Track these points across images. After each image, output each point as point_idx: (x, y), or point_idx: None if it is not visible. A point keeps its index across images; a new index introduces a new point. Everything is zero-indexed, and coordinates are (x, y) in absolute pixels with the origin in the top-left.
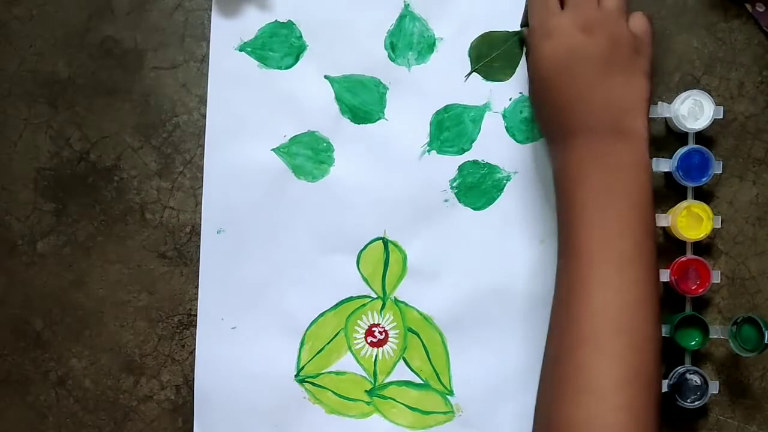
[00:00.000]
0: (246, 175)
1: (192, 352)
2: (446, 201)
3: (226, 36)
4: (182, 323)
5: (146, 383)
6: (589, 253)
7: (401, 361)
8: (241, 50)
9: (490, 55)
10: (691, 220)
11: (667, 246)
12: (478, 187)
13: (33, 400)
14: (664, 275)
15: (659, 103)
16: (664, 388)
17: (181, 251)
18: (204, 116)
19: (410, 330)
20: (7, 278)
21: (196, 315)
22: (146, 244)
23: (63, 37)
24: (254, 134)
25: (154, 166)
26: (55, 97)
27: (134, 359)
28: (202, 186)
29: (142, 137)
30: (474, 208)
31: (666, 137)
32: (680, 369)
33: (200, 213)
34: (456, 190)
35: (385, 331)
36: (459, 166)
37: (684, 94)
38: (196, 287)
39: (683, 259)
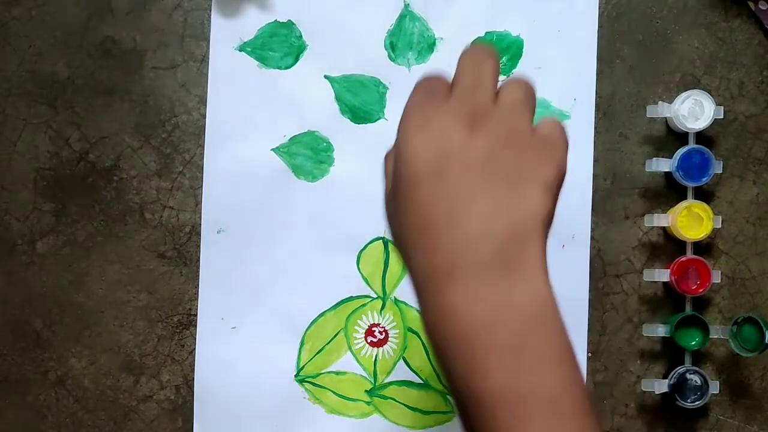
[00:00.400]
0: (246, 175)
1: (191, 352)
2: None
3: (226, 36)
4: (182, 323)
5: (146, 383)
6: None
7: (401, 361)
8: (240, 50)
9: None
10: (692, 220)
11: (667, 246)
12: None
13: (33, 400)
14: (664, 275)
15: (660, 102)
16: (665, 388)
17: (181, 251)
18: (204, 116)
19: (410, 330)
20: (7, 278)
21: (195, 315)
22: (146, 244)
23: (62, 37)
24: (254, 134)
25: (153, 166)
26: (55, 97)
27: (134, 359)
28: (201, 186)
29: (141, 137)
30: None
31: (666, 137)
32: (680, 369)
33: (200, 213)
34: None
35: (385, 331)
36: None
37: (684, 94)
38: (196, 287)
39: (683, 259)
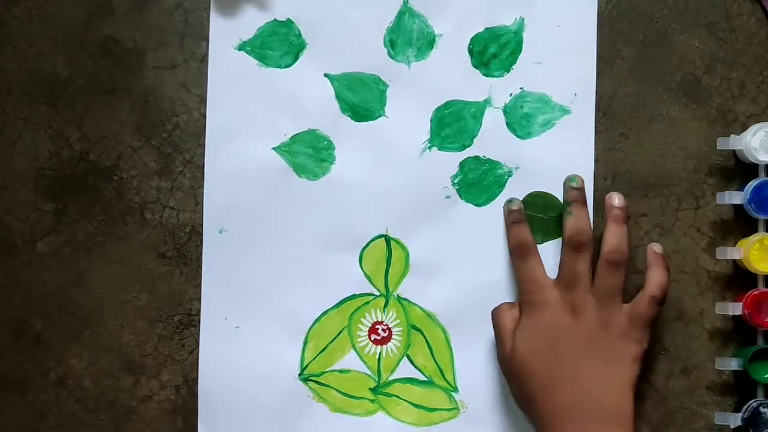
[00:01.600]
0: (247, 175)
1: (192, 352)
2: (448, 197)
3: (225, 35)
4: (182, 323)
5: (146, 383)
6: None
7: (405, 359)
8: (240, 49)
9: (547, 215)
10: (764, 253)
11: (739, 278)
12: (479, 183)
13: (33, 400)
14: (737, 308)
15: (731, 135)
16: (738, 422)
17: (181, 251)
18: (204, 116)
19: (414, 327)
20: (7, 278)
21: (195, 315)
22: (146, 244)
23: (63, 36)
24: (255, 133)
25: (153, 166)
26: (55, 97)
27: (134, 359)
28: (202, 186)
29: (141, 137)
30: (476, 205)
31: (735, 169)
32: (753, 403)
33: (200, 213)
34: (457, 187)
35: (389, 329)
36: (460, 163)
37: (755, 127)
38: (196, 287)
39: (756, 292)
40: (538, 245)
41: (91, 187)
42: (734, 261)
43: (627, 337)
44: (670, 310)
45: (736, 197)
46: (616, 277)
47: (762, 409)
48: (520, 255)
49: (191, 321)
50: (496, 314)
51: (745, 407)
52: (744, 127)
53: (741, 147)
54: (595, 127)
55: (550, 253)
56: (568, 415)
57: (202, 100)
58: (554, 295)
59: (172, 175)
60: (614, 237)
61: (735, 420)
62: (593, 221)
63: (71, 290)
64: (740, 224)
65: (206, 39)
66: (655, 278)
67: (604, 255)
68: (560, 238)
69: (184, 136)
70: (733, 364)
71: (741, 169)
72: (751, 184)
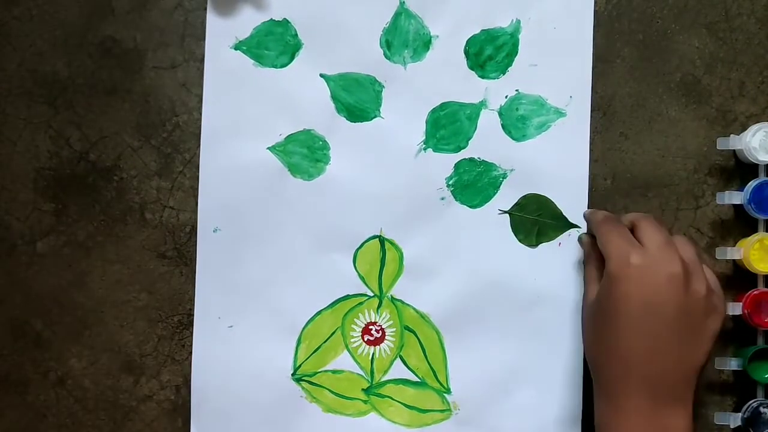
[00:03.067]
0: (242, 174)
1: (192, 352)
2: (442, 199)
3: (222, 35)
4: (182, 323)
5: (146, 383)
6: None
7: (398, 360)
8: (236, 49)
9: (541, 217)
10: (764, 253)
11: (739, 278)
12: (474, 185)
13: (33, 400)
14: (737, 308)
15: (731, 135)
16: (738, 422)
17: (181, 251)
18: None
19: (407, 328)
20: (7, 278)
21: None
22: (146, 244)
23: (63, 37)
24: (250, 133)
25: (153, 166)
26: (55, 97)
27: (134, 359)
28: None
29: (141, 137)
30: (470, 206)
31: (735, 169)
32: (753, 403)
33: None
34: (452, 188)
35: (382, 330)
36: (455, 164)
37: (755, 127)
38: (197, 288)
39: (756, 292)
40: (533, 248)
41: (91, 187)
42: (734, 261)
43: (711, 309)
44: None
45: (736, 197)
46: (697, 249)
47: (762, 409)
48: (606, 223)
49: (191, 321)
50: (588, 262)
51: (745, 407)
52: (744, 127)
53: (741, 147)
54: (595, 127)
55: (544, 255)
56: (640, 388)
57: (202, 100)
58: (650, 259)
59: (172, 175)
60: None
61: (735, 420)
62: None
63: (71, 290)
64: (740, 224)
65: (205, 39)
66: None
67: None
68: (554, 241)
69: (184, 136)
70: (733, 364)
71: (741, 169)
72: (751, 184)
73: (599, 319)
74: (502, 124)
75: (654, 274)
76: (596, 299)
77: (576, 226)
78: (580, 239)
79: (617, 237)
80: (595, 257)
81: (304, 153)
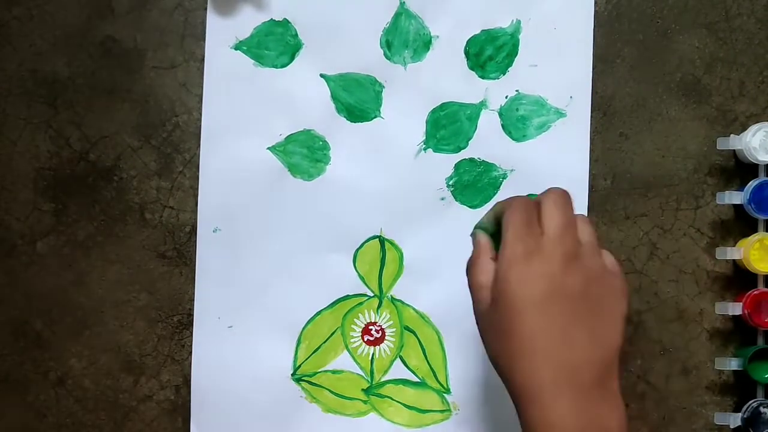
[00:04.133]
0: (242, 174)
1: (192, 352)
2: (442, 199)
3: (222, 35)
4: (182, 323)
5: (146, 383)
6: None
7: (398, 360)
8: (236, 49)
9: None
10: (764, 253)
11: (739, 278)
12: (474, 185)
13: (33, 400)
14: (737, 308)
15: (731, 135)
16: (738, 422)
17: (181, 251)
18: None
19: (407, 328)
20: (7, 278)
21: None
22: (146, 244)
23: (63, 37)
24: (250, 133)
25: (153, 166)
26: (55, 97)
27: (134, 359)
28: None
29: (141, 137)
30: (470, 207)
31: (735, 169)
32: (753, 403)
33: None
34: (452, 189)
35: (382, 330)
36: (455, 164)
37: (755, 127)
38: (197, 288)
39: (756, 291)
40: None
41: (91, 187)
42: (734, 261)
43: (614, 289)
44: (669, 310)
45: (736, 197)
46: (592, 228)
47: (762, 409)
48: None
49: (191, 321)
50: (471, 268)
51: (745, 407)
52: (744, 127)
53: (741, 147)
54: (595, 127)
55: None
56: (556, 383)
57: (202, 100)
58: (548, 242)
59: (172, 175)
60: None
61: (735, 420)
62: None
63: (71, 290)
64: (740, 224)
65: (205, 39)
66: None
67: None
68: None
69: (184, 136)
70: (733, 364)
71: (741, 169)
72: (751, 184)
73: (500, 318)
74: (502, 125)
75: (548, 257)
76: (493, 298)
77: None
78: (473, 234)
79: (517, 220)
80: (483, 259)
81: (304, 153)
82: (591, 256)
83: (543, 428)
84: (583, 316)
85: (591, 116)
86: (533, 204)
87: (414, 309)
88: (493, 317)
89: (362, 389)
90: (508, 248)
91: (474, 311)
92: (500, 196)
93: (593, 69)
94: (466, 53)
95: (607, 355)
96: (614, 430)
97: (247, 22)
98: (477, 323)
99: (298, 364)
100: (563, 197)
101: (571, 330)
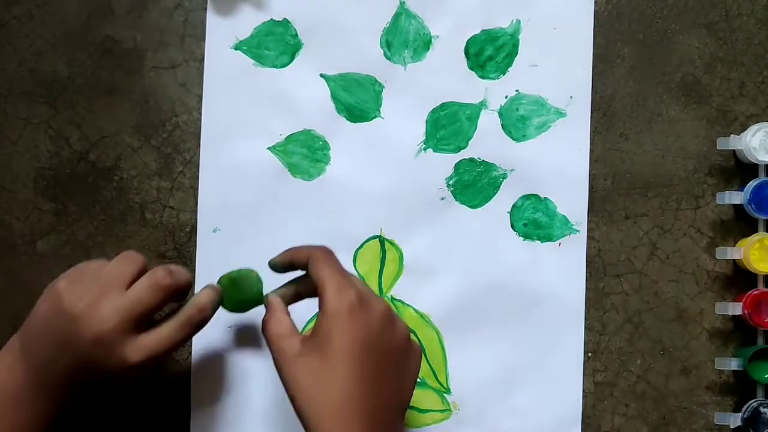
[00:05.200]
0: (242, 174)
1: (192, 352)
2: (442, 199)
3: (222, 35)
4: None
5: (146, 383)
6: None
7: None
8: (236, 49)
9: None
10: (764, 253)
11: (739, 278)
12: (474, 185)
13: None
14: (737, 308)
15: (731, 135)
16: (738, 422)
17: (181, 251)
18: None
19: None
20: (7, 278)
21: None
22: (146, 244)
23: (63, 37)
24: (250, 133)
25: (153, 166)
26: (55, 97)
27: None
28: None
29: (141, 137)
30: (470, 206)
31: (735, 169)
32: (753, 403)
33: None
34: (452, 188)
35: None
36: (455, 164)
37: (755, 127)
38: (196, 287)
39: (756, 291)
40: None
41: (91, 187)
42: (734, 261)
43: (415, 361)
44: (669, 310)
45: (736, 197)
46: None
47: (762, 409)
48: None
49: None
50: (269, 321)
51: (745, 407)
52: (744, 127)
53: (741, 147)
54: (595, 127)
55: (544, 255)
56: (365, 428)
57: (202, 100)
58: (373, 301)
59: (172, 175)
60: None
61: (735, 420)
62: (590, 221)
63: None
64: (740, 224)
65: (206, 39)
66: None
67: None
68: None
69: (184, 136)
70: (733, 364)
71: (741, 169)
72: (751, 184)
73: (315, 364)
74: (502, 125)
75: (370, 312)
76: (307, 343)
77: (575, 231)
78: (269, 296)
79: (333, 271)
80: (279, 314)
81: (304, 153)
82: (397, 318)
83: None
84: (389, 371)
85: (591, 116)
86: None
87: (414, 309)
88: (306, 364)
89: None
90: (332, 303)
91: (276, 361)
92: (500, 195)
93: (593, 69)
94: (466, 53)
95: (399, 406)
96: None
97: (247, 22)
98: (281, 371)
99: None
100: (332, 254)
101: (379, 383)
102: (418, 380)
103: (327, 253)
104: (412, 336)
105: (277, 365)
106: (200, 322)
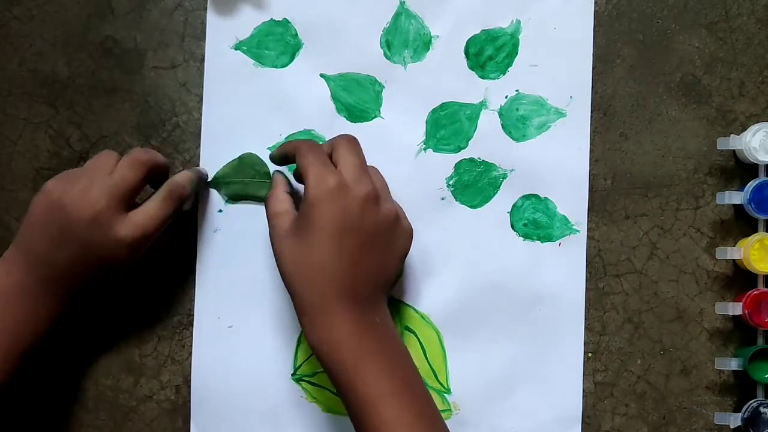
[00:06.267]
0: None
1: (192, 352)
2: (443, 199)
3: (222, 35)
4: (182, 323)
5: (146, 383)
6: (376, 394)
7: None
8: (236, 49)
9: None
10: (764, 253)
11: (739, 278)
12: (474, 185)
13: (31, 399)
14: (737, 308)
15: (731, 135)
16: (738, 422)
17: (181, 251)
18: None
19: (407, 328)
20: None
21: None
22: None
23: (63, 37)
24: (250, 133)
25: None
26: (55, 97)
27: (134, 359)
28: None
29: (142, 137)
30: (470, 206)
31: (735, 169)
32: (753, 403)
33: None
34: (452, 188)
35: None
36: (455, 164)
37: (755, 127)
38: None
39: (756, 291)
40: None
41: None
42: (734, 261)
43: (399, 235)
44: (669, 310)
45: (736, 197)
46: (380, 175)
47: (762, 409)
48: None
49: (191, 321)
50: (271, 197)
51: (745, 407)
52: (744, 127)
53: (741, 147)
54: (595, 127)
55: (544, 255)
56: (343, 297)
57: (202, 101)
58: (345, 180)
59: (172, 175)
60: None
61: (735, 420)
62: (590, 221)
63: None
64: (740, 224)
65: (206, 39)
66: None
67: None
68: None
69: (184, 136)
70: (733, 364)
71: (741, 169)
72: (751, 184)
73: (298, 241)
74: (502, 125)
75: (350, 196)
76: (294, 223)
77: (575, 231)
78: (274, 173)
79: (315, 160)
80: (283, 188)
81: None
82: (385, 200)
83: (329, 339)
84: (371, 248)
85: (591, 116)
86: (324, 148)
87: (414, 309)
88: (292, 241)
89: None
90: (312, 189)
91: (271, 236)
92: (500, 195)
93: (593, 69)
94: (466, 53)
95: (381, 282)
96: (383, 323)
97: (247, 22)
98: (273, 245)
99: (298, 364)
100: (354, 143)
101: (359, 258)
102: None
103: (310, 146)
104: (406, 220)
105: (270, 239)
106: (180, 197)
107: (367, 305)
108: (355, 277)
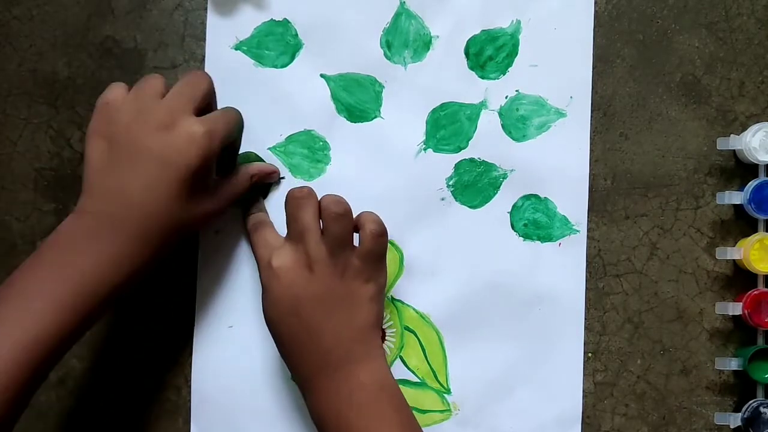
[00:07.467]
0: None
1: (192, 353)
2: (443, 199)
3: (222, 35)
4: (182, 323)
5: (146, 383)
6: None
7: (398, 360)
8: (236, 49)
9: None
10: (764, 253)
11: (739, 278)
12: (474, 185)
13: (33, 401)
14: (737, 308)
15: (731, 135)
16: (738, 422)
17: (182, 251)
18: None
19: (407, 329)
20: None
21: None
22: None
23: (63, 37)
24: (250, 133)
25: None
26: (55, 97)
27: (134, 359)
28: None
29: None
30: (470, 207)
31: (735, 169)
32: (753, 403)
33: None
34: (452, 189)
35: (382, 330)
36: (455, 165)
37: (755, 127)
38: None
39: (756, 292)
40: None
41: None
42: (734, 261)
43: (361, 277)
44: (669, 310)
45: (736, 197)
46: (343, 225)
47: (762, 409)
48: (255, 230)
49: (191, 321)
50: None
51: (745, 407)
52: (744, 127)
53: (741, 147)
54: (595, 127)
55: (544, 255)
56: (318, 367)
57: None
58: (287, 255)
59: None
60: (328, 195)
61: (735, 420)
62: (590, 221)
63: None
64: (740, 224)
65: (206, 39)
66: (366, 217)
67: (324, 210)
68: (554, 242)
69: None
70: (733, 364)
71: (741, 169)
72: (751, 184)
73: (269, 325)
74: (502, 125)
75: (292, 272)
76: (263, 305)
77: (575, 231)
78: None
79: (260, 241)
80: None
81: (304, 153)
82: (338, 251)
83: (315, 407)
84: (332, 307)
85: (591, 116)
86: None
87: (414, 309)
88: (269, 328)
89: None
90: (259, 266)
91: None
92: (500, 196)
93: (593, 69)
94: (466, 53)
95: (359, 331)
96: (368, 383)
97: (247, 22)
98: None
99: None
100: (303, 198)
101: (323, 324)
102: (419, 381)
103: (256, 226)
104: (374, 262)
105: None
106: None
107: (348, 362)
108: (319, 346)
